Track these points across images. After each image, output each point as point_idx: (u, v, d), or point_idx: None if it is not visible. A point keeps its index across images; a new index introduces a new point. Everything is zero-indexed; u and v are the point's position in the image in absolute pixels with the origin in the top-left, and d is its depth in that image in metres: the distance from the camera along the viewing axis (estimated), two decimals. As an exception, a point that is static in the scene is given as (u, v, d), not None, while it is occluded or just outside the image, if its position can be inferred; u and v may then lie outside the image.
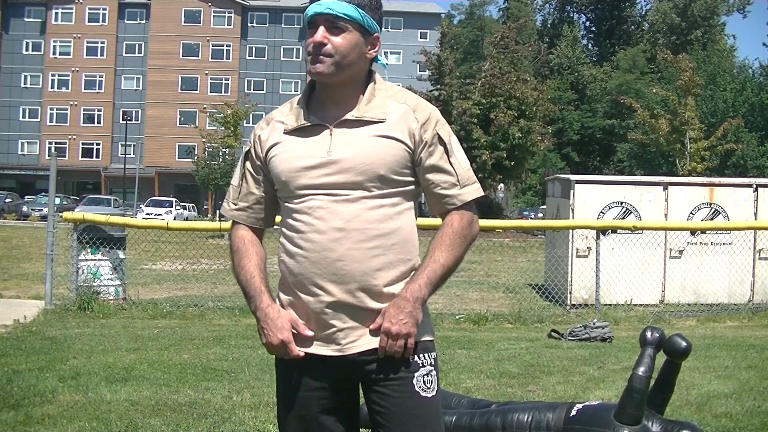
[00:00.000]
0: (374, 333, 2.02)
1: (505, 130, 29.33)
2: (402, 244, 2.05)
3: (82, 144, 60.09)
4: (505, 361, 6.33)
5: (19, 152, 59.92)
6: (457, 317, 8.93)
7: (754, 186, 11.32)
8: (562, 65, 60.28)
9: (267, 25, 62.38)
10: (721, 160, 33.57)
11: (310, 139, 2.06)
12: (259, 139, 2.14)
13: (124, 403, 4.71)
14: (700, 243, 10.97)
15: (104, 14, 60.38)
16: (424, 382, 2.03)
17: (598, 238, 9.94)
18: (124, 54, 60.81)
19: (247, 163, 2.18)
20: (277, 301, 2.13)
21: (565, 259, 10.69)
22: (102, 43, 60.34)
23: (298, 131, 2.08)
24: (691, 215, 11.04)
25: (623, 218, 10.74)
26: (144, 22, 61.26)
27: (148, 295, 9.96)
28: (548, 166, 50.77)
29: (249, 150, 2.17)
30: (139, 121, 59.74)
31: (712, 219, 11.02)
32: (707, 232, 10.94)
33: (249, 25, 62.25)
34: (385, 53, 57.21)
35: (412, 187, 2.09)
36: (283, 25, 62.33)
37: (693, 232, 10.90)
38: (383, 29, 2.13)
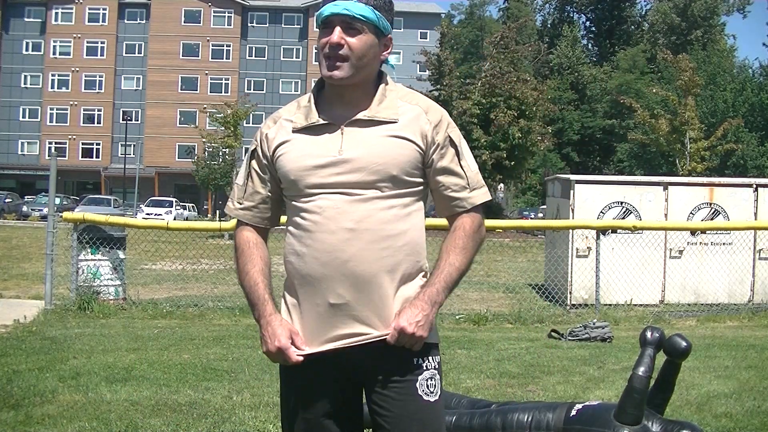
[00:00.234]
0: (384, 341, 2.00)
1: (505, 130, 29.32)
2: (411, 246, 2.03)
3: (82, 144, 60.10)
4: (505, 361, 6.33)
5: (19, 152, 59.92)
6: (457, 317, 8.93)
7: (754, 186, 11.32)
8: (562, 65, 60.28)
9: (267, 25, 62.39)
10: (721, 160, 33.57)
11: (320, 138, 2.04)
12: (266, 137, 2.11)
13: (124, 403, 4.71)
14: (700, 243, 10.97)
15: (104, 14, 60.38)
16: (427, 386, 2.02)
17: (598, 238, 9.94)
18: (124, 54, 60.82)
19: (253, 162, 2.14)
20: (282, 301, 2.11)
21: (565, 259, 10.69)
22: (102, 43, 60.35)
23: (307, 130, 2.06)
24: (691, 215, 11.04)
25: (623, 218, 10.74)
26: (144, 22, 61.27)
27: (148, 295, 9.95)
28: (548, 166, 50.77)
29: (255, 149, 2.14)
30: (139, 121, 59.74)
31: (712, 219, 11.03)
32: (707, 232, 10.94)
33: (249, 25, 62.25)
34: (385, 53, 56.79)
35: (422, 188, 2.08)
36: (283, 25, 62.35)
37: (693, 232, 10.90)
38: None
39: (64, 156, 56.20)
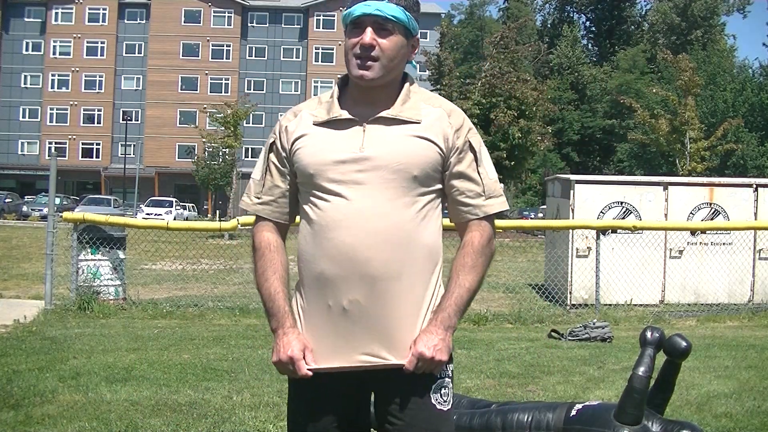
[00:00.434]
0: (396, 355, 1.96)
1: (505, 130, 29.31)
2: (429, 249, 2.00)
3: (82, 144, 60.09)
4: (505, 361, 6.33)
5: (19, 152, 59.91)
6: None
7: (754, 186, 11.32)
8: (562, 65, 60.28)
9: (267, 25, 62.36)
10: (721, 160, 33.57)
11: (341, 133, 2.00)
12: (285, 130, 2.07)
13: (124, 403, 4.71)
14: (700, 243, 10.97)
15: (104, 14, 60.36)
16: (441, 395, 1.99)
17: (598, 238, 9.94)
18: (124, 54, 60.80)
19: (271, 155, 2.09)
20: (293, 302, 2.06)
21: (565, 259, 10.69)
22: (102, 43, 60.33)
23: (328, 124, 2.01)
24: (691, 215, 11.04)
25: (623, 218, 10.74)
26: (144, 22, 61.25)
27: (148, 295, 9.96)
28: (548, 166, 50.77)
29: (273, 141, 2.10)
30: (139, 121, 59.73)
31: (712, 219, 11.03)
32: (707, 232, 10.95)
33: (249, 25, 62.23)
34: (385, 53, 56.92)
35: (441, 191, 2.04)
36: (283, 25, 62.31)
37: (693, 232, 10.90)
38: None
39: (64, 156, 56.19)
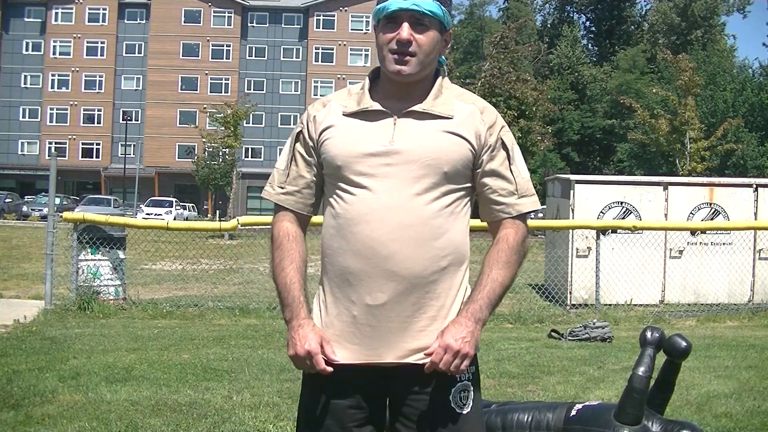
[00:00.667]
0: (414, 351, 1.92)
1: (505, 131, 29.32)
2: (456, 247, 1.95)
3: (82, 144, 60.08)
4: (505, 361, 6.33)
5: (19, 152, 59.90)
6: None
7: (754, 186, 11.32)
8: (562, 65, 60.25)
9: (267, 25, 62.34)
10: (721, 160, 33.55)
11: (371, 125, 1.95)
12: (313, 119, 2.02)
13: (124, 403, 4.71)
14: (700, 243, 10.97)
15: (104, 14, 60.35)
16: (459, 398, 1.93)
17: (598, 238, 9.94)
18: (124, 54, 60.79)
19: (297, 145, 2.04)
20: (316, 297, 2.03)
21: (565, 259, 10.69)
22: (102, 43, 60.32)
23: (358, 115, 1.97)
24: (691, 215, 11.04)
25: (623, 218, 10.74)
26: (144, 22, 61.24)
27: (148, 295, 9.96)
28: (548, 166, 50.73)
29: (300, 131, 2.05)
30: (139, 121, 59.71)
31: (712, 219, 11.03)
32: (707, 232, 10.95)
33: (249, 25, 62.21)
34: (385, 53, 56.93)
35: (470, 189, 2.00)
36: (283, 25, 62.29)
37: (693, 232, 10.90)
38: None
39: (64, 156, 56.18)
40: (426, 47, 1.92)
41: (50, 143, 57.28)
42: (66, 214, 9.41)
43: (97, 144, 60.22)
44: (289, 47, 62.02)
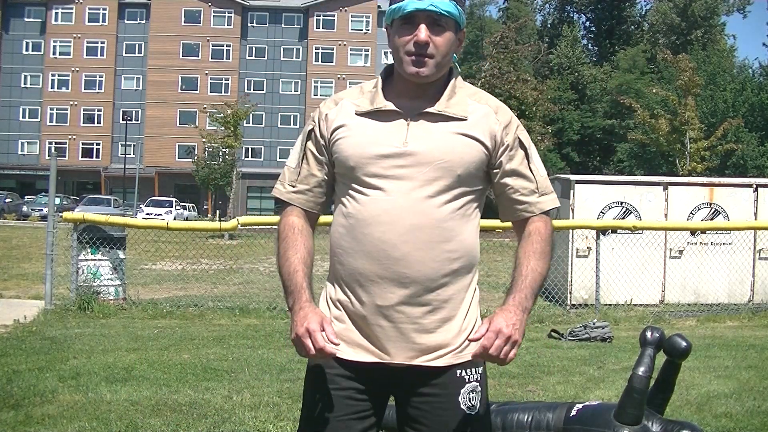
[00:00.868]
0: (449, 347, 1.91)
1: (505, 130, 29.34)
2: (467, 249, 1.94)
3: (82, 144, 60.10)
4: (505, 361, 6.31)
5: (19, 152, 59.92)
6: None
7: (754, 186, 11.32)
8: (562, 65, 60.24)
9: (267, 25, 62.36)
10: (721, 160, 33.54)
11: (384, 125, 1.93)
12: (325, 117, 1.99)
13: (124, 403, 4.71)
14: (700, 243, 10.97)
15: (104, 14, 60.36)
16: (469, 399, 1.93)
17: (598, 238, 9.94)
18: (124, 54, 60.81)
19: (309, 143, 2.01)
20: (323, 294, 2.01)
21: (565, 259, 10.69)
22: (102, 43, 60.34)
23: (371, 115, 1.94)
24: (691, 215, 11.04)
25: (623, 218, 10.74)
26: (144, 22, 61.26)
27: (148, 295, 9.96)
28: (548, 166, 50.72)
29: (312, 129, 2.02)
30: (139, 121, 59.73)
31: (712, 219, 11.03)
32: (707, 232, 10.95)
33: (249, 25, 62.23)
34: (385, 53, 57.29)
35: (482, 192, 1.99)
36: (283, 25, 62.31)
37: (693, 232, 10.90)
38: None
39: (64, 156, 56.21)
40: (443, 48, 1.90)
41: (50, 143, 57.30)
42: (66, 214, 9.41)
43: (97, 144, 60.23)
44: (289, 47, 62.03)
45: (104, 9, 60.30)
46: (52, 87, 60.01)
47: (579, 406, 3.40)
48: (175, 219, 32.49)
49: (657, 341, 3.26)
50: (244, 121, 34.96)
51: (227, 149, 33.90)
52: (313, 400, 1.97)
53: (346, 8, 60.39)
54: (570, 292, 10.59)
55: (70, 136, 59.56)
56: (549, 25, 69.20)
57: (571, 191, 10.95)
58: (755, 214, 11.07)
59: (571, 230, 10.48)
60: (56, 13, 59.86)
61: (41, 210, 35.15)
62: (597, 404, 3.44)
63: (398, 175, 1.89)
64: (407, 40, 1.89)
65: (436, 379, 1.92)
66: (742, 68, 49.65)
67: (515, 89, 30.20)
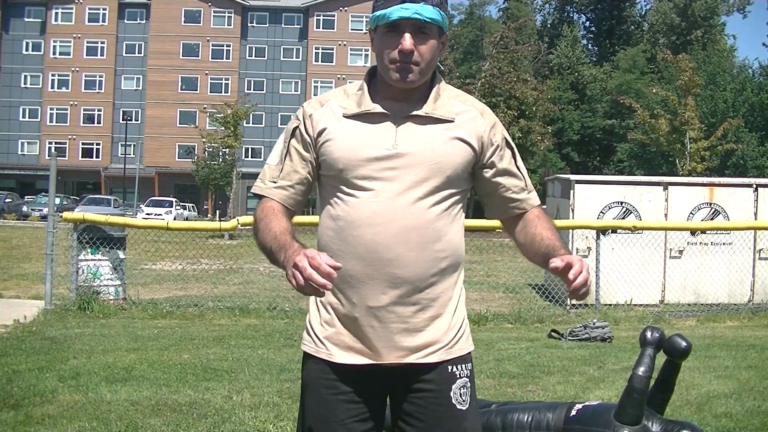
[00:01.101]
0: (422, 342, 1.93)
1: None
2: (455, 249, 1.98)
3: (82, 144, 60.10)
4: (505, 361, 6.33)
5: (19, 152, 59.92)
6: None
7: (754, 186, 11.32)
8: (562, 65, 60.25)
9: (267, 25, 62.37)
10: (721, 160, 33.54)
11: (372, 128, 1.94)
12: (310, 117, 1.99)
13: (124, 403, 4.71)
14: (700, 243, 10.97)
15: (104, 14, 60.37)
16: (460, 395, 1.96)
17: (598, 238, 9.94)
18: (124, 54, 60.82)
19: (293, 141, 2.00)
20: (313, 298, 1.99)
21: (565, 259, 10.68)
22: (102, 43, 60.34)
23: (359, 117, 1.95)
24: (691, 215, 11.04)
25: (623, 218, 10.74)
26: (144, 22, 61.26)
27: (148, 295, 9.96)
28: (548, 166, 50.73)
29: (296, 127, 2.01)
30: (139, 121, 59.74)
31: (712, 219, 11.03)
32: (707, 232, 10.95)
33: (249, 25, 62.23)
34: (385, 53, 56.96)
35: (467, 192, 2.03)
36: (283, 25, 62.31)
37: (693, 232, 10.90)
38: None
39: (64, 156, 56.21)
40: (427, 55, 1.91)
41: (50, 143, 57.31)
42: (66, 214, 9.41)
43: (97, 144, 60.24)
44: (289, 47, 62.04)
45: (104, 9, 60.30)
46: (52, 87, 60.01)
47: (579, 406, 3.40)
48: (175, 219, 32.49)
49: (657, 341, 3.26)
50: (244, 121, 34.96)
51: (227, 149, 33.92)
52: (313, 407, 1.98)
53: (346, 8, 60.38)
54: (570, 292, 10.58)
55: (70, 136, 59.56)
56: (549, 25, 69.20)
57: (571, 191, 10.95)
58: (755, 214, 11.07)
59: (571, 230, 10.48)
60: (56, 13, 59.86)
61: (41, 210, 35.15)
62: (597, 404, 3.44)
63: (388, 177, 1.90)
64: (392, 48, 1.90)
65: (428, 375, 1.94)
66: (742, 68, 49.66)
67: (515, 89, 30.22)
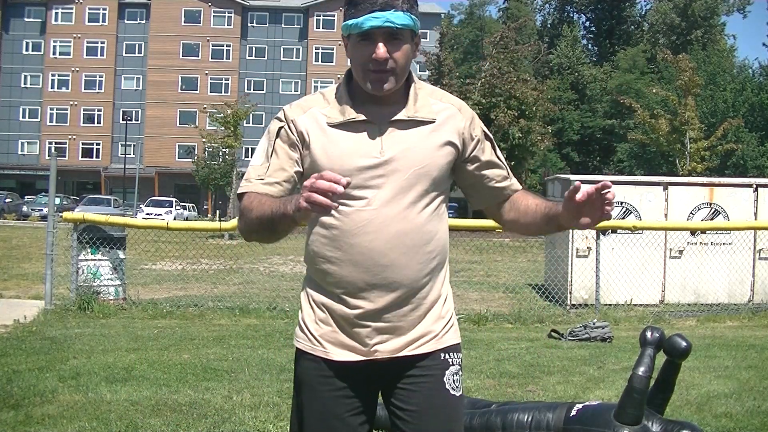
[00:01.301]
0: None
1: (505, 130, 29.34)
2: (442, 247, 2.03)
3: (82, 144, 60.12)
4: (505, 361, 6.32)
5: (19, 152, 59.94)
6: (457, 317, 8.92)
7: (754, 186, 11.32)
8: (562, 65, 60.22)
9: (267, 25, 62.39)
10: (721, 160, 33.53)
11: (358, 136, 1.95)
12: (293, 122, 1.98)
13: (124, 403, 4.71)
14: (700, 243, 10.97)
15: (104, 14, 60.39)
16: (453, 381, 2.01)
17: (598, 238, 9.94)
18: (124, 54, 60.83)
19: (278, 141, 1.98)
20: (305, 297, 2.03)
21: (565, 259, 10.69)
22: (102, 43, 60.36)
23: (345, 126, 1.95)
24: (691, 215, 11.04)
25: (623, 218, 10.74)
26: (144, 22, 61.28)
27: (148, 295, 9.95)
28: (548, 166, 50.71)
29: (281, 127, 1.99)
30: (139, 121, 59.76)
31: (712, 219, 11.02)
32: (707, 232, 10.94)
33: (249, 25, 62.26)
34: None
35: (449, 189, 2.08)
36: (283, 25, 62.34)
37: (693, 232, 10.90)
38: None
39: (64, 156, 56.22)
40: (402, 61, 1.93)
41: (50, 143, 57.32)
42: (66, 214, 9.40)
43: (97, 144, 60.25)
44: (289, 47, 62.06)
45: (104, 9, 60.33)
46: (52, 87, 60.03)
47: (579, 406, 3.40)
48: (175, 219, 32.47)
49: (657, 341, 3.26)
50: (244, 121, 34.96)
51: (227, 149, 33.92)
52: (310, 403, 2.01)
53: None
54: (570, 292, 10.59)
55: (70, 136, 59.58)
56: (549, 25, 69.18)
57: (571, 191, 10.93)
58: (755, 214, 11.06)
59: (571, 230, 10.47)
60: (56, 13, 59.88)
61: (41, 210, 35.14)
62: (597, 404, 3.44)
63: (378, 185, 1.93)
64: (366, 57, 1.91)
65: (421, 362, 1.99)
66: (742, 68, 49.63)
67: (515, 89, 30.18)
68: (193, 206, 48.48)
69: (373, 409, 2.05)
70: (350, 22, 1.92)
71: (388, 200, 1.92)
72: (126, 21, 61.09)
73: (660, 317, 9.51)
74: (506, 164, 2.14)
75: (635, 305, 10.19)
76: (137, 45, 60.96)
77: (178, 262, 13.14)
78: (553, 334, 7.82)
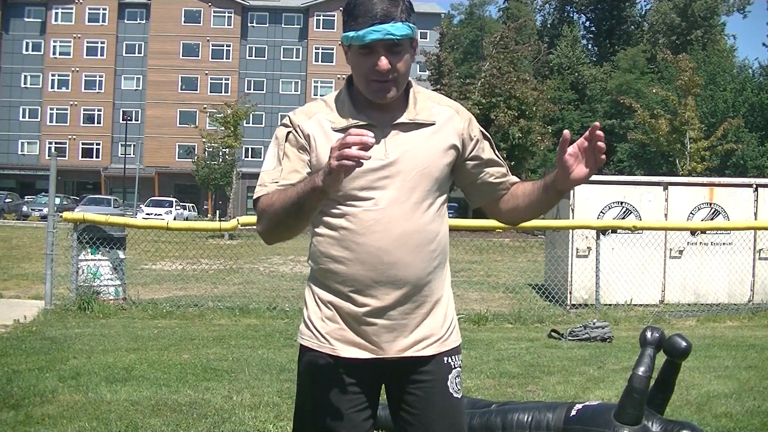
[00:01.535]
0: (422, 334, 2.03)
1: (505, 130, 29.35)
2: (444, 245, 2.08)
3: (82, 144, 60.11)
4: (505, 361, 6.33)
5: (19, 152, 59.93)
6: (457, 317, 8.92)
7: (754, 186, 11.32)
8: (562, 65, 60.25)
9: (267, 25, 62.38)
10: (721, 160, 33.57)
11: None
12: (299, 128, 2.02)
13: (124, 403, 4.71)
14: (700, 243, 10.97)
15: (104, 14, 60.38)
16: (455, 384, 2.07)
17: (598, 238, 9.94)
18: (124, 54, 60.83)
19: (288, 145, 2.02)
20: (310, 295, 2.06)
21: (565, 259, 10.69)
22: (102, 43, 60.35)
23: (347, 131, 1.98)
24: (691, 215, 11.04)
25: (623, 218, 10.74)
26: (144, 22, 61.27)
27: (148, 295, 9.96)
28: (548, 166, 50.72)
29: (290, 132, 2.03)
30: (139, 121, 59.75)
31: (712, 219, 11.02)
32: (707, 232, 10.94)
33: (249, 25, 62.24)
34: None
35: (448, 188, 2.12)
36: (283, 25, 62.32)
37: (693, 232, 10.90)
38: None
39: (64, 156, 56.22)
40: (403, 69, 1.98)
41: (50, 143, 57.31)
42: (66, 214, 9.40)
43: (97, 144, 60.24)
44: (289, 47, 62.04)
45: (104, 9, 60.31)
46: (52, 87, 60.02)
47: (579, 406, 3.40)
48: (175, 219, 32.48)
49: (657, 341, 3.26)
50: (244, 121, 34.96)
51: (227, 149, 33.91)
52: (316, 399, 2.04)
53: (346, 8, 60.34)
54: (570, 292, 10.59)
55: (70, 136, 59.57)
56: (549, 25, 69.20)
57: (571, 191, 10.94)
58: (755, 214, 11.06)
59: (571, 230, 10.48)
60: (56, 13, 59.86)
61: (41, 210, 35.15)
62: (597, 404, 3.44)
63: (384, 186, 1.98)
64: (368, 68, 1.95)
65: (425, 366, 2.04)
66: (742, 68, 49.68)
67: (515, 89, 30.20)
68: (193, 206, 48.49)
69: (375, 406, 2.09)
70: (351, 34, 1.95)
71: (394, 200, 1.98)
72: (126, 21, 61.08)
73: (660, 317, 9.51)
74: (505, 164, 2.19)
75: (635, 305, 10.19)
76: (137, 45, 60.95)
77: (178, 262, 13.14)
78: (553, 334, 7.83)
